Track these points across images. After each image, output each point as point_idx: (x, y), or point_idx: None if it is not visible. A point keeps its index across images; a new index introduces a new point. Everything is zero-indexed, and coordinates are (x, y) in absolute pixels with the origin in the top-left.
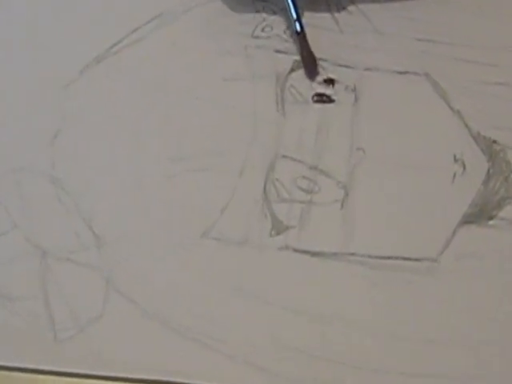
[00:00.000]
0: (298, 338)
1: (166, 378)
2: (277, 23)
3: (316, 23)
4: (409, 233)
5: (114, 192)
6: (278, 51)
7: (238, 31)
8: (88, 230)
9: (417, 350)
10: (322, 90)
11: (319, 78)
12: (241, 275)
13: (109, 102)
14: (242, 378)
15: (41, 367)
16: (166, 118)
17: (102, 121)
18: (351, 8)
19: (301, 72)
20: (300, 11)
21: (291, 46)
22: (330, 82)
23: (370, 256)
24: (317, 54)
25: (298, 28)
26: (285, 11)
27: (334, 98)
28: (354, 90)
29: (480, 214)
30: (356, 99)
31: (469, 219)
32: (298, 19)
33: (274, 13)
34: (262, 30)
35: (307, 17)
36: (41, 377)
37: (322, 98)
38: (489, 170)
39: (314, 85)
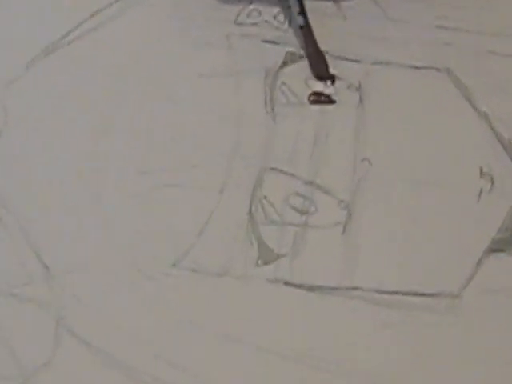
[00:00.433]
0: None
1: None
2: (266, 7)
3: (314, 7)
4: (425, 263)
5: (67, 212)
6: (266, 41)
7: (218, 17)
8: (35, 258)
9: None
10: (319, 88)
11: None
12: (220, 314)
13: (61, 103)
14: None
15: None
16: (130, 122)
17: (52, 124)
18: None
19: (295, 66)
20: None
21: (283, 34)
22: (330, 78)
23: (377, 291)
24: None
25: (302, 21)
26: None
27: (334, 98)
28: (359, 88)
29: (511, 239)
30: (361, 100)
31: (497, 246)
32: (302, 11)
33: None
34: (248, 15)
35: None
36: None
37: (320, 98)
38: None
39: (311, 82)
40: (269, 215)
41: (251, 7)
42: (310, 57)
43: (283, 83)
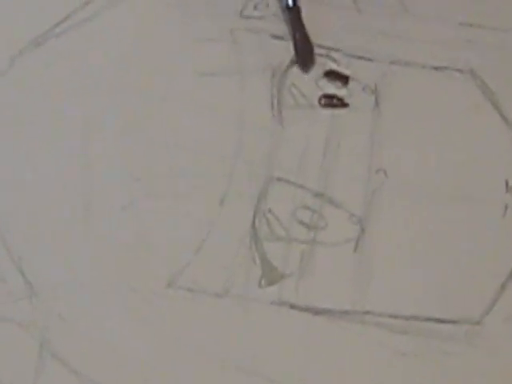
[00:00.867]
0: None
1: None
2: None
3: (326, 1)
4: (443, 286)
5: (52, 224)
6: (275, 37)
7: (221, 9)
8: (17, 274)
9: None
10: (332, 90)
11: (329, 75)
12: (219, 339)
13: (48, 101)
14: None
15: None
16: (123, 124)
17: (38, 125)
18: None
19: None
20: None
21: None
22: (342, 79)
23: (391, 316)
24: (326, 42)
25: (290, 1)
26: None
27: (347, 101)
28: (375, 90)
29: None
30: (377, 103)
31: None
32: None
33: None
34: (255, 7)
35: None
36: None
37: (332, 102)
38: None
39: (322, 83)
40: (274, 230)
41: None
42: (295, 43)
43: (292, 84)
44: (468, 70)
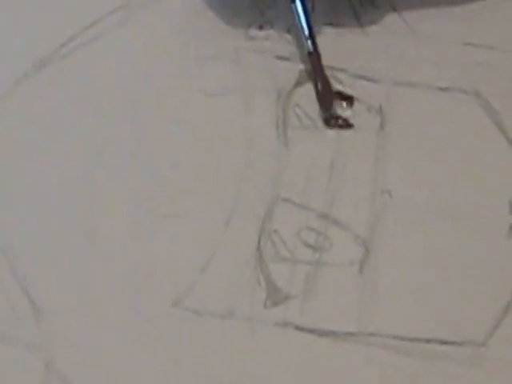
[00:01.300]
0: None
1: None
2: (280, 19)
3: (331, 21)
4: (448, 307)
5: (57, 246)
6: (279, 58)
7: (226, 29)
8: (23, 296)
9: None
10: (337, 111)
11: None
12: (224, 360)
13: (53, 123)
14: None
15: None
16: (128, 145)
17: (42, 147)
18: (380, 1)
19: (310, 86)
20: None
21: (297, 50)
22: (348, 100)
23: (396, 338)
24: (332, 62)
25: (310, 47)
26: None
27: (352, 121)
28: (380, 111)
29: None
30: (382, 124)
31: None
32: (311, 35)
33: (276, 4)
34: (260, 27)
35: (319, 11)
36: None
37: (337, 122)
38: None
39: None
40: (279, 251)
41: (263, 19)
42: (316, 87)
43: (297, 104)
44: (473, 91)
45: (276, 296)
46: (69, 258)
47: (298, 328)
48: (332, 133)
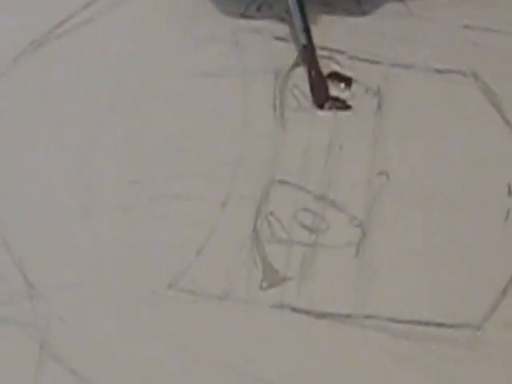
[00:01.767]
0: None
1: None
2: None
3: (330, 2)
4: (445, 290)
5: (53, 225)
6: (278, 38)
7: (223, 10)
8: (18, 275)
9: None
10: (334, 92)
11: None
12: (220, 341)
13: (49, 102)
14: None
15: None
16: (123, 126)
17: (38, 126)
18: None
19: None
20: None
21: (296, 31)
22: (345, 81)
23: (392, 320)
24: (329, 44)
25: (305, 40)
26: None
27: (350, 103)
28: (378, 93)
29: None
30: (380, 106)
31: None
32: (306, 28)
33: None
34: (258, 8)
35: None
36: None
37: (334, 104)
38: None
39: None
40: (275, 233)
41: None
42: (310, 79)
43: (295, 85)
44: (471, 73)
45: (272, 277)
46: (64, 240)
47: (295, 310)
48: (329, 114)
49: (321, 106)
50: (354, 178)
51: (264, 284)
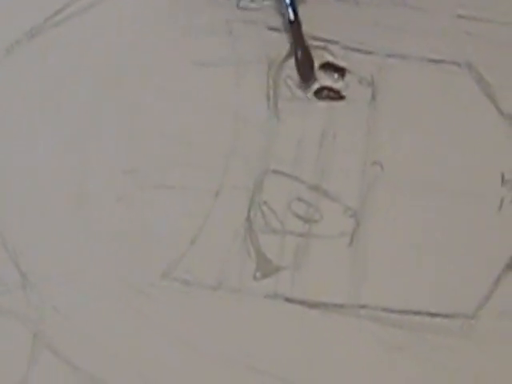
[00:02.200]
0: None
1: None
2: None
3: None
4: (439, 280)
5: (46, 215)
6: (271, 28)
7: (217, 0)
8: (12, 265)
9: None
10: (328, 82)
11: (326, 67)
12: (213, 332)
13: (43, 93)
14: None
15: None
16: (117, 116)
17: (33, 116)
18: None
19: None
20: None
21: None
22: (339, 71)
23: (386, 310)
24: (323, 34)
25: (291, 16)
26: None
27: (344, 93)
28: (372, 83)
29: None
30: (373, 96)
31: None
32: (292, 4)
33: None
34: None
35: None
36: None
37: (328, 94)
38: None
39: (318, 75)
40: (269, 222)
41: None
42: (296, 57)
43: (288, 76)
44: (465, 63)
45: (266, 267)
46: (58, 230)
47: (288, 300)
48: (323, 104)
49: (307, 81)
50: (347, 167)
51: (257, 274)
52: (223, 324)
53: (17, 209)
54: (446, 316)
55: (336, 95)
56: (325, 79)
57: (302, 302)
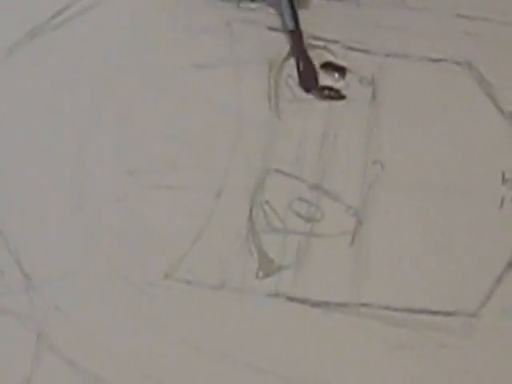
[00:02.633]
0: None
1: None
2: None
3: None
4: (440, 278)
5: (49, 216)
6: (272, 29)
7: (218, 1)
8: (15, 266)
9: None
10: (329, 82)
11: (327, 67)
12: (216, 331)
13: (44, 94)
14: None
15: None
16: (119, 117)
17: (33, 117)
18: None
19: None
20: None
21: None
22: (340, 71)
23: (387, 308)
24: (323, 34)
25: (292, 26)
26: None
27: (344, 93)
28: (372, 82)
29: None
30: (374, 95)
31: None
32: (293, 13)
33: None
34: None
35: None
36: None
37: (329, 94)
38: None
39: (319, 75)
40: (271, 222)
41: None
42: (298, 65)
43: (289, 75)
44: (465, 62)
45: (268, 267)
46: (60, 231)
47: (290, 298)
48: (324, 104)
49: (309, 91)
50: (348, 167)
51: (260, 273)
52: (226, 323)
53: (18, 210)
54: (447, 314)
55: (337, 95)
56: (325, 79)
57: (304, 301)
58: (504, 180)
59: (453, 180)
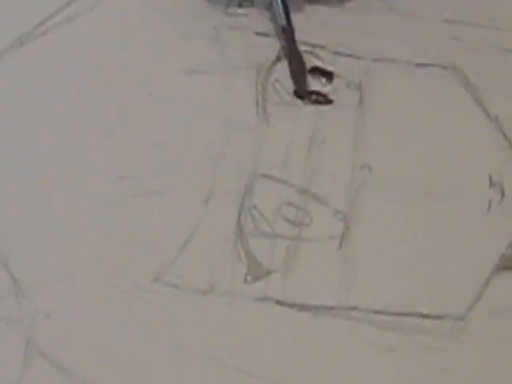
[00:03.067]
0: None
1: None
2: None
3: None
4: (428, 281)
5: (38, 221)
6: (259, 34)
7: (205, 7)
8: (3, 270)
9: None
10: (316, 86)
11: (314, 71)
12: (205, 335)
13: (32, 100)
14: None
15: None
16: (108, 123)
17: (22, 124)
18: None
19: None
20: None
21: (277, 27)
22: (327, 76)
23: (376, 312)
24: (312, 39)
25: (284, 23)
26: None
27: (332, 97)
28: (359, 87)
29: None
30: (361, 100)
31: (508, 264)
32: (285, 11)
33: None
34: (240, 4)
35: None
36: None
37: (316, 98)
38: None
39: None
40: (259, 226)
41: None
42: (290, 64)
43: (276, 80)
44: (451, 67)
45: (256, 271)
46: (50, 236)
47: (279, 302)
48: (311, 108)
49: (302, 88)
50: (336, 171)
51: (248, 277)
52: (214, 327)
53: (8, 216)
54: (436, 317)
55: (324, 99)
56: (313, 83)
57: (292, 305)
58: (491, 183)
59: (440, 184)
